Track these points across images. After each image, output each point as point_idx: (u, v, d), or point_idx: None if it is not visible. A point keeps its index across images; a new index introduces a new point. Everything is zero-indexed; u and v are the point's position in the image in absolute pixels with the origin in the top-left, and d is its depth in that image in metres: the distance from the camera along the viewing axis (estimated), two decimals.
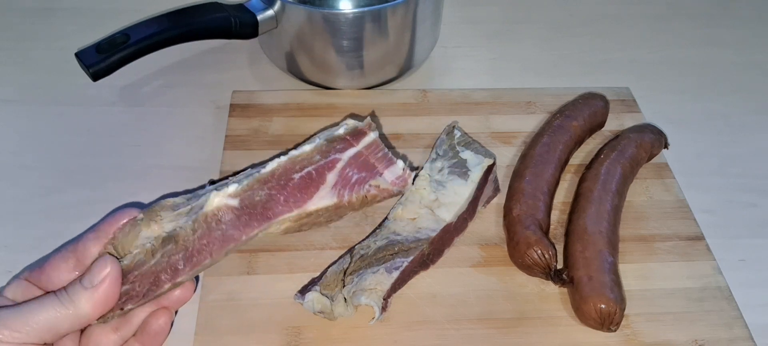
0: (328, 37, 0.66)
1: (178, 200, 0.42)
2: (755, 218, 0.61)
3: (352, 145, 0.41)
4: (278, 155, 0.43)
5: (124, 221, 0.41)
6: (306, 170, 0.41)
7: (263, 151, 0.62)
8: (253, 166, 0.45)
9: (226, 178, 0.43)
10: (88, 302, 0.37)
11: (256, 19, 0.67)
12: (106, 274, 0.38)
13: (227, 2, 0.67)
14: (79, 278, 0.38)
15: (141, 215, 0.41)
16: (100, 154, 0.64)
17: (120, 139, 0.66)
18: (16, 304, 0.38)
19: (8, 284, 0.41)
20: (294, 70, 0.72)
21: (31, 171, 0.62)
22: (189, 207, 0.41)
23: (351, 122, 0.44)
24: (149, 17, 0.65)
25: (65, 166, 0.63)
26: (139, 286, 0.39)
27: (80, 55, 0.61)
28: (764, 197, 0.63)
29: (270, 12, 0.67)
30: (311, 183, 0.41)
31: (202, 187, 0.43)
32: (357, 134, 0.41)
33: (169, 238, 0.39)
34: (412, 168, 0.45)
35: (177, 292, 0.42)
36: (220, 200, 0.40)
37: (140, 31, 0.63)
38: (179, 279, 0.40)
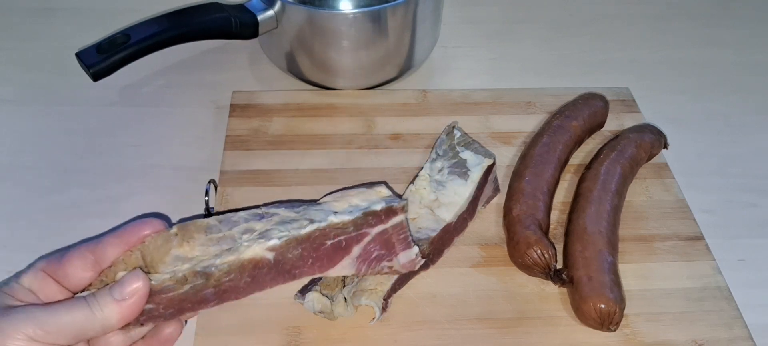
0: (328, 37, 0.66)
1: (211, 222, 0.44)
2: (755, 218, 0.61)
3: (382, 222, 0.44)
4: (312, 202, 0.45)
5: (147, 232, 0.42)
6: (338, 239, 0.43)
7: (263, 151, 0.62)
8: (280, 202, 0.50)
9: (257, 206, 0.45)
10: (115, 314, 0.39)
11: (257, 19, 0.67)
12: (136, 289, 0.39)
13: (227, 2, 0.67)
14: (109, 288, 0.39)
15: (174, 231, 0.43)
16: (100, 154, 0.64)
17: (120, 139, 0.66)
18: (48, 303, 0.39)
19: (25, 271, 0.41)
20: (294, 70, 0.72)
21: (31, 171, 0.62)
22: (221, 234, 0.43)
23: (384, 191, 0.45)
24: (149, 17, 0.65)
25: (65, 166, 0.63)
26: (163, 308, 0.41)
27: (81, 55, 0.61)
28: (764, 197, 0.63)
29: (270, 12, 0.67)
30: (339, 251, 0.44)
31: (234, 210, 0.45)
32: (389, 213, 0.44)
33: (203, 273, 0.41)
34: (423, 256, 0.48)
35: (169, 329, 0.44)
36: (258, 250, 0.41)
37: (140, 32, 0.63)
38: (202, 310, 0.42)
